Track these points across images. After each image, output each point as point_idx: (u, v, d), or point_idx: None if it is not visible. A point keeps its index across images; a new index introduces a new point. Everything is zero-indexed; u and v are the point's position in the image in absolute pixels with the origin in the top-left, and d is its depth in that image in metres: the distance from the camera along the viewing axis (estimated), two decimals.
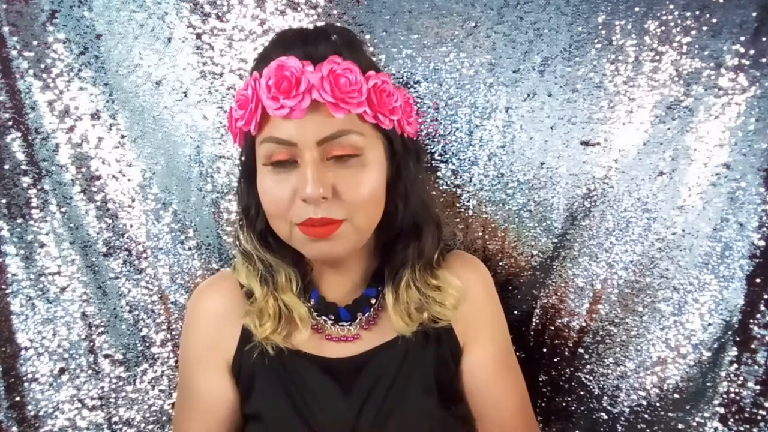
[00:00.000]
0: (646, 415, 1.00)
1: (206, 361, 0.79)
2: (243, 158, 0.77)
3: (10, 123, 0.96)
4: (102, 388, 1.02)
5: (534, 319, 1.03)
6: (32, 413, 1.00)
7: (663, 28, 0.92)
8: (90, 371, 1.01)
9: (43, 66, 0.95)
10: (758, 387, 0.95)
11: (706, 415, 0.98)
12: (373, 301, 0.79)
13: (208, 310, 0.80)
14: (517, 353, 1.03)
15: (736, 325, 0.96)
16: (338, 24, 0.95)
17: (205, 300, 0.82)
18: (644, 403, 0.99)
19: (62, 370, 1.01)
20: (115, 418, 1.02)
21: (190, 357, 0.81)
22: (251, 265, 0.77)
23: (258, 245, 0.77)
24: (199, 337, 0.80)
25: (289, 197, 0.68)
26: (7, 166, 0.97)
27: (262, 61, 0.72)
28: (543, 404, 1.05)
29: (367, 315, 0.79)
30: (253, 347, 0.76)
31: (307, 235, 0.69)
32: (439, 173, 1.01)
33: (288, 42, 0.71)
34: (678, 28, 0.92)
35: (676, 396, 0.99)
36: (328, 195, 0.66)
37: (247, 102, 0.69)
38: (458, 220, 1.02)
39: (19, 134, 0.96)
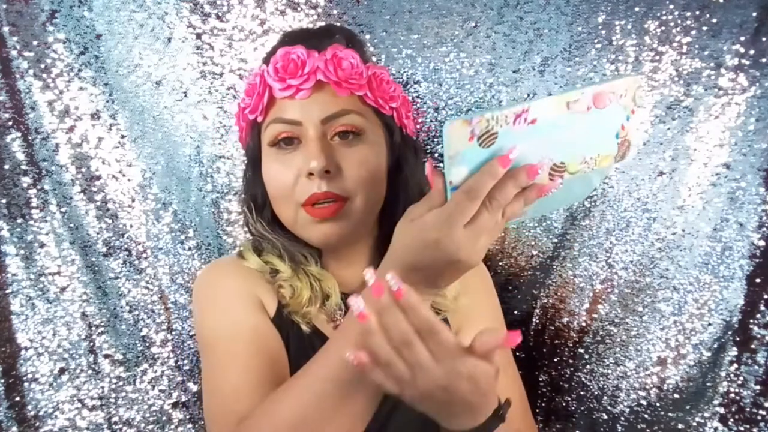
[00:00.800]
0: (646, 415, 1.00)
1: (247, 301, 0.73)
2: (249, 149, 0.78)
3: (10, 123, 0.96)
4: (102, 388, 1.02)
5: (534, 319, 1.03)
6: (32, 413, 1.00)
7: (663, 28, 0.92)
8: (90, 371, 1.01)
9: (43, 66, 0.95)
10: (758, 387, 0.95)
11: (706, 415, 0.98)
12: None
13: (233, 272, 0.77)
14: (517, 353, 1.03)
15: (736, 325, 0.96)
16: (338, 24, 0.96)
17: (226, 267, 0.79)
18: (644, 403, 0.99)
19: (62, 370, 1.00)
20: (115, 418, 1.02)
21: (226, 302, 0.74)
22: (269, 244, 0.77)
23: (269, 229, 0.77)
24: (232, 284, 0.75)
25: (294, 177, 0.70)
26: (7, 166, 0.97)
27: (269, 54, 0.75)
28: (543, 404, 1.05)
29: None
30: (282, 318, 0.73)
31: (312, 216, 0.70)
32: None
33: (293, 37, 0.75)
34: (678, 28, 0.92)
35: (676, 396, 0.99)
36: (331, 169, 0.69)
37: (255, 88, 0.73)
38: None
39: (19, 134, 0.96)
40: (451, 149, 0.49)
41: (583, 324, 1.01)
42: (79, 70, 0.96)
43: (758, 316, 0.95)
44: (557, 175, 0.54)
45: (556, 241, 1.00)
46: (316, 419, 0.56)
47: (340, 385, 0.56)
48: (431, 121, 0.99)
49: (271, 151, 0.72)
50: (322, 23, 0.96)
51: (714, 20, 0.91)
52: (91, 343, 1.01)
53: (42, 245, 0.99)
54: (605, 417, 1.02)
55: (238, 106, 0.77)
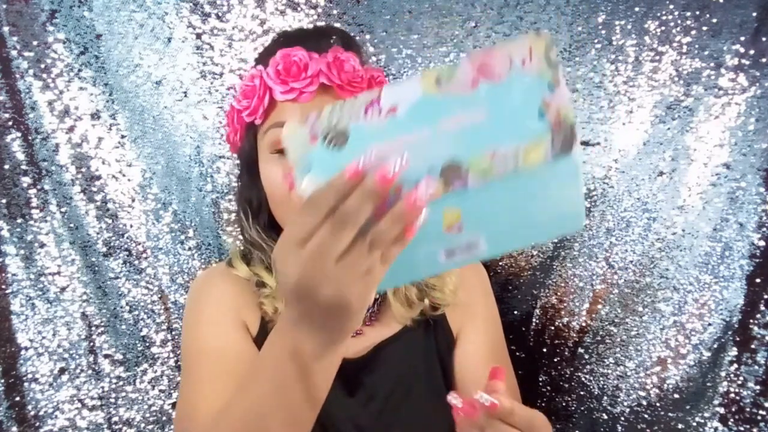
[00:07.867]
0: (646, 415, 1.00)
1: (230, 320, 0.74)
2: (244, 152, 0.76)
3: (10, 123, 0.96)
4: (102, 388, 1.02)
5: (534, 319, 1.03)
6: (32, 413, 1.00)
7: (663, 28, 0.92)
8: (90, 371, 1.01)
9: (43, 66, 0.95)
10: (758, 387, 0.95)
11: (706, 415, 0.98)
12: (377, 295, 0.79)
13: (221, 285, 0.78)
14: (517, 353, 1.03)
15: (736, 325, 0.96)
16: (338, 24, 0.96)
17: (216, 278, 0.79)
18: (644, 403, 0.99)
19: (62, 370, 1.00)
20: (115, 418, 1.02)
21: (210, 319, 0.75)
22: (261, 253, 0.77)
23: (264, 236, 0.77)
24: (218, 300, 0.76)
25: None
26: (7, 166, 0.97)
27: (266, 55, 0.73)
28: (543, 404, 1.05)
29: (370, 311, 0.78)
30: (266, 331, 0.73)
31: None
32: None
33: (290, 38, 0.74)
34: (678, 28, 0.92)
35: (676, 396, 0.99)
36: None
37: (254, 91, 0.71)
38: None
39: (19, 134, 0.96)
40: (293, 155, 0.41)
41: (583, 324, 1.01)
42: (79, 70, 0.96)
43: (758, 316, 0.95)
44: (455, 178, 0.39)
45: (556, 241, 1.00)
46: (258, 422, 0.53)
47: (276, 383, 0.53)
48: None
49: (273, 157, 0.71)
50: (322, 23, 0.96)
51: (714, 20, 0.91)
52: (91, 343, 1.01)
53: (42, 245, 0.99)
54: (605, 417, 1.02)
55: (232, 108, 0.75)
